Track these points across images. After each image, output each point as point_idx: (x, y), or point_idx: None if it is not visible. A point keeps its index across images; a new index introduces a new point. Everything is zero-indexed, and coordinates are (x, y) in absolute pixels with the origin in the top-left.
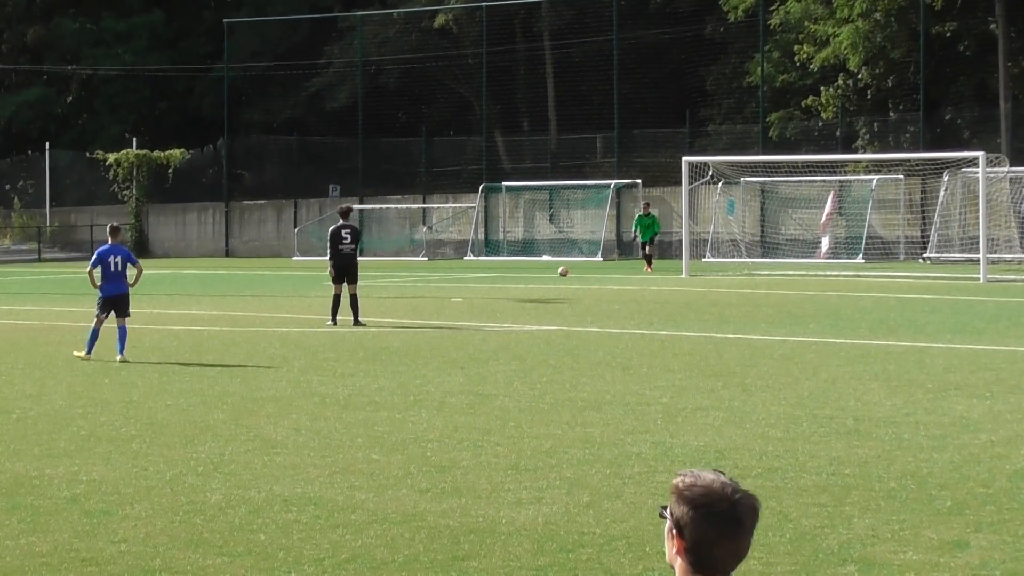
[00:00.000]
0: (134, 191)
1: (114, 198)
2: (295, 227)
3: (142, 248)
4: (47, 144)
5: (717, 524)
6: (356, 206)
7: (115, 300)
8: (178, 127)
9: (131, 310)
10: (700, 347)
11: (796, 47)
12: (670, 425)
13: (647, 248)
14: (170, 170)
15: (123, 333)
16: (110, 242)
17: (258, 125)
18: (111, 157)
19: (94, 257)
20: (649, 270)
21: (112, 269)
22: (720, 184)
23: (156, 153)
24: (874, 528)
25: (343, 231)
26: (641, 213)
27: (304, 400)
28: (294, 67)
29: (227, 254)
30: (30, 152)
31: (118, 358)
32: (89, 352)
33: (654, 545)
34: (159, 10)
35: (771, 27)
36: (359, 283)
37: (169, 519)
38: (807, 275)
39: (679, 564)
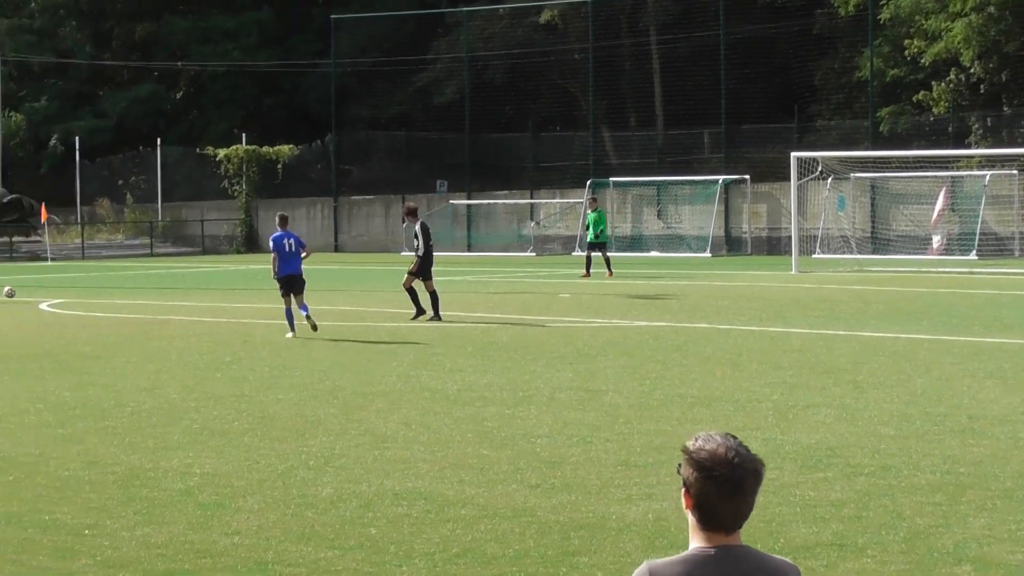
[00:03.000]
0: (243, 186)
1: (224, 193)
2: (403, 222)
3: (252, 243)
4: (158, 140)
5: (718, 486)
6: (464, 201)
7: (291, 279)
8: (286, 123)
9: (245, 304)
10: (810, 344)
11: (906, 41)
12: (781, 422)
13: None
14: (279, 166)
15: (305, 309)
16: (279, 229)
17: (366, 121)
18: (221, 153)
19: (271, 244)
20: (609, 276)
21: (287, 251)
22: (829, 180)
23: (265, 149)
24: (990, 527)
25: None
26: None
27: (414, 395)
28: (401, 63)
29: (336, 249)
30: (141, 148)
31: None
32: (293, 331)
33: (765, 542)
34: (267, 7)
35: (881, 21)
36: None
37: (281, 512)
38: (919, 272)
39: (690, 519)
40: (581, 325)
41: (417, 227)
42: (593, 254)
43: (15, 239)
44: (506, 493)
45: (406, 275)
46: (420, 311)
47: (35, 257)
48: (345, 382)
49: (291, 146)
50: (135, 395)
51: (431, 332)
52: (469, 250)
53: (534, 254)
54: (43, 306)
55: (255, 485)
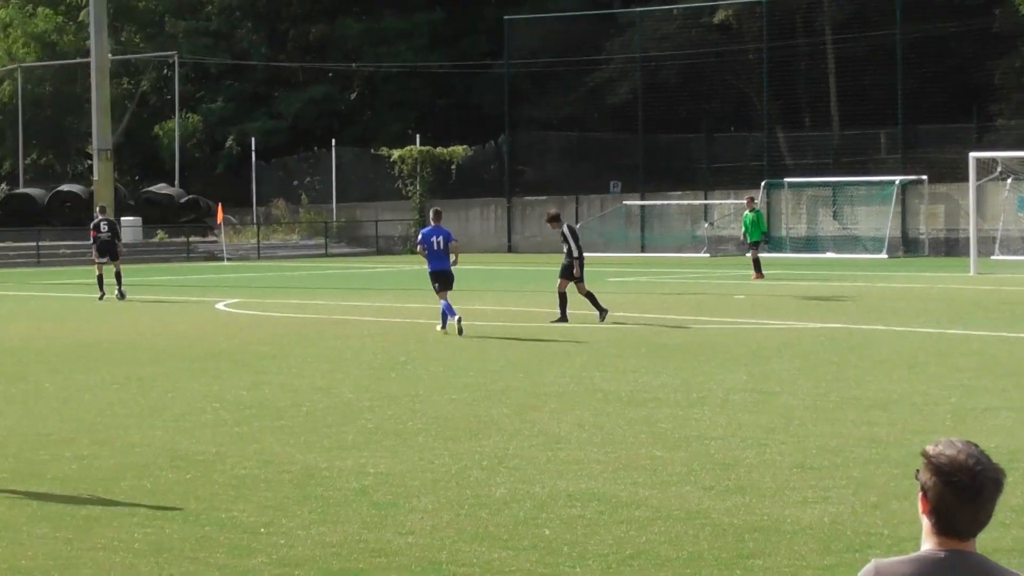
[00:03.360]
0: (417, 187)
1: (398, 194)
2: (576, 223)
3: None
4: (332, 141)
5: (956, 492)
6: (638, 202)
7: (439, 275)
8: (460, 124)
9: (419, 305)
10: (990, 346)
11: None
12: (959, 425)
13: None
14: (452, 166)
15: (447, 306)
16: (432, 224)
17: (538, 121)
18: (395, 153)
19: (420, 238)
20: (758, 278)
21: (435, 248)
22: (1009, 180)
23: (439, 149)
24: None
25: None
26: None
27: (587, 396)
28: (574, 63)
29: (509, 249)
30: (316, 149)
31: (440, 329)
32: (444, 326)
33: None
34: (439, 8)
35: None
36: None
37: (455, 512)
38: None
39: (924, 523)
40: (755, 326)
41: (565, 230)
42: (759, 255)
43: (192, 239)
44: (680, 495)
45: (576, 284)
46: (564, 318)
47: (212, 257)
48: (518, 383)
49: (464, 147)
50: (310, 394)
51: (604, 333)
52: (643, 251)
53: (708, 255)
54: (219, 306)
55: (429, 485)
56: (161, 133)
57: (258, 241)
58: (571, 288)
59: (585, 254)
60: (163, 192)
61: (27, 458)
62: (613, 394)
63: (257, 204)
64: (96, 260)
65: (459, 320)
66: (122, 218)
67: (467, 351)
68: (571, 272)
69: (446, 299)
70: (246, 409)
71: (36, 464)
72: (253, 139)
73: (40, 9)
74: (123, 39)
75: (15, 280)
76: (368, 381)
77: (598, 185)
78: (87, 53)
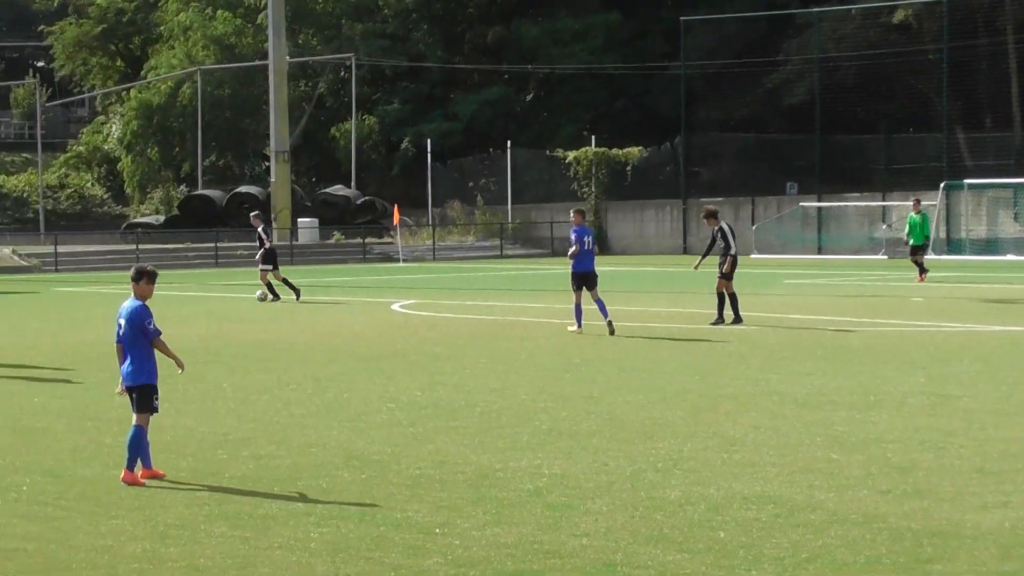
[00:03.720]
0: (593, 188)
1: (573, 195)
2: (752, 224)
3: (601, 245)
4: (508, 142)
5: None
6: (815, 203)
7: (584, 276)
8: (635, 125)
9: (593, 306)
10: None
11: None
12: None
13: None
14: (628, 168)
15: (600, 305)
16: (577, 223)
17: (715, 122)
18: (570, 155)
19: (573, 236)
20: (922, 279)
21: (585, 247)
22: None
23: (614, 151)
24: None
25: None
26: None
27: (762, 398)
28: (750, 64)
29: (684, 251)
30: (491, 150)
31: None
32: (579, 326)
33: None
34: (616, 9)
35: None
36: None
37: (629, 514)
38: None
39: None
40: (934, 329)
41: (724, 226)
42: (921, 257)
43: (368, 240)
44: (856, 498)
45: (718, 279)
46: (721, 320)
47: (387, 258)
48: (693, 384)
49: (640, 148)
50: (485, 395)
51: (779, 335)
52: (819, 253)
53: (886, 257)
54: (395, 307)
55: (604, 487)
56: (338, 135)
57: (433, 242)
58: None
59: (761, 256)
60: (340, 194)
61: (206, 457)
62: (789, 396)
63: (433, 205)
64: (264, 268)
65: (610, 322)
66: (299, 219)
67: (641, 352)
68: (723, 270)
69: (596, 297)
70: (421, 410)
71: (214, 463)
72: (429, 141)
73: (219, 12)
74: (300, 42)
75: (194, 281)
76: (543, 382)
77: (774, 186)
78: (265, 56)
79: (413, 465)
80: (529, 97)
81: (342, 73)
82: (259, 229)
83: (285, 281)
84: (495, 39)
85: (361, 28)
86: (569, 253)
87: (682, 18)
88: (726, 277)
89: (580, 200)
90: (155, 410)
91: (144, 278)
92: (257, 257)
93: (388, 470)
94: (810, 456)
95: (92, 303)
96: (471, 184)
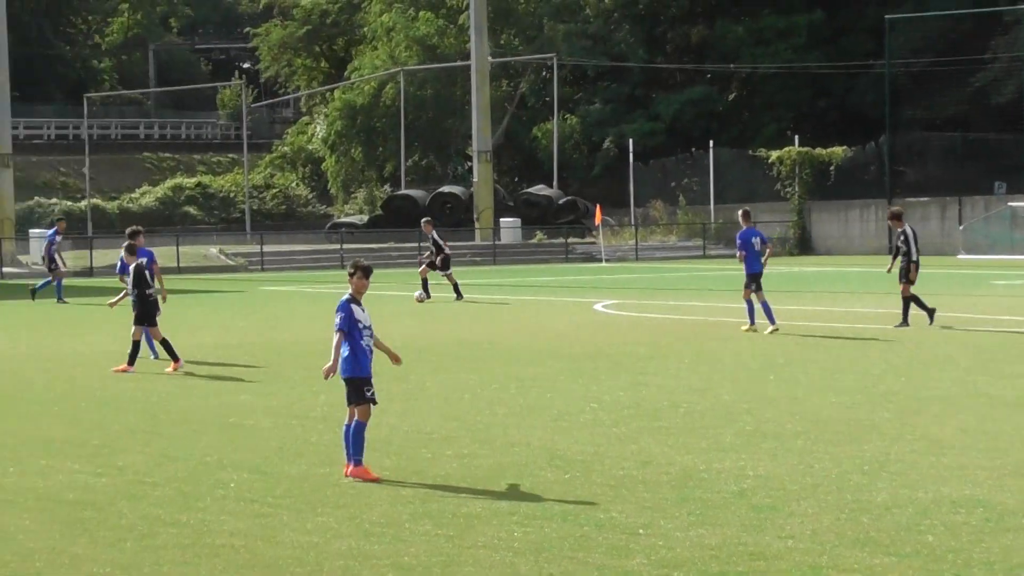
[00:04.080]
0: (796, 188)
1: (775, 195)
2: (959, 224)
3: (804, 245)
4: (710, 142)
5: None
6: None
7: (756, 277)
8: (839, 124)
9: (797, 307)
10: None
11: None
12: None
13: None
14: (831, 167)
15: (765, 307)
16: (745, 225)
17: (920, 122)
18: (773, 155)
19: (739, 240)
20: None
21: (755, 249)
22: None
23: (818, 150)
24: None
25: None
26: None
27: (970, 400)
28: (957, 62)
29: (889, 251)
30: (693, 150)
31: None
32: (753, 323)
33: None
34: (819, 8)
35: None
36: None
37: (835, 517)
38: None
39: None
40: None
41: (908, 230)
42: None
43: (570, 240)
44: None
45: (902, 284)
46: (930, 317)
47: (590, 258)
48: (899, 386)
49: (844, 148)
50: (688, 395)
51: (987, 337)
52: None
53: None
54: (597, 307)
55: (808, 489)
56: (540, 135)
57: (636, 242)
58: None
59: (969, 256)
60: (542, 193)
61: (410, 455)
62: (999, 399)
63: (635, 205)
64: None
65: (772, 321)
66: (501, 219)
67: (846, 353)
68: (908, 275)
69: (762, 299)
70: (624, 410)
71: (418, 462)
72: (631, 140)
73: (422, 13)
74: (502, 42)
75: (398, 280)
76: (746, 383)
77: (982, 186)
78: (467, 56)
79: (616, 465)
80: (731, 96)
81: (544, 73)
82: (432, 234)
83: (455, 286)
84: (697, 39)
85: (563, 28)
86: (738, 257)
87: (887, 16)
88: (910, 282)
89: (784, 200)
90: (371, 401)
91: (358, 273)
92: (437, 261)
93: (591, 470)
94: (1021, 459)
95: (297, 302)
96: (673, 184)
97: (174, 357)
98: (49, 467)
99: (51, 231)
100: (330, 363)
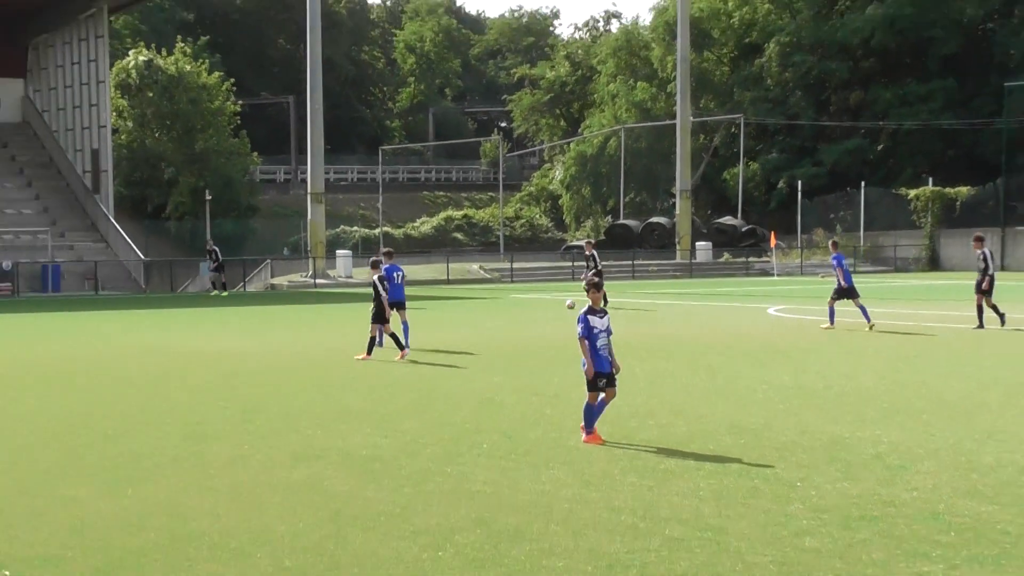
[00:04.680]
0: (929, 219)
1: (912, 224)
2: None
3: (934, 263)
4: (862, 183)
5: None
6: None
7: (848, 290)
8: (965, 169)
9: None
10: None
11: None
12: None
13: None
14: (957, 203)
15: (863, 310)
16: (978, 248)
17: None
18: (911, 193)
19: (834, 261)
20: None
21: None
22: None
23: (947, 190)
24: None
25: None
26: None
27: None
28: None
29: (1002, 268)
30: (848, 189)
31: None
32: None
33: None
34: (952, 77)
35: None
36: None
37: (951, 474)
38: None
39: None
40: None
41: (987, 251)
42: None
43: (750, 259)
44: None
45: (984, 295)
46: (1001, 316)
47: (764, 273)
48: (1006, 374)
49: (968, 187)
50: (838, 380)
51: None
52: None
53: None
54: (770, 311)
55: (931, 453)
56: (728, 177)
57: (801, 261)
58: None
59: None
60: (728, 223)
61: (621, 425)
62: None
63: (801, 232)
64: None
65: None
66: (696, 243)
67: (968, 348)
68: (982, 286)
69: (860, 304)
70: (788, 390)
71: (627, 429)
72: (799, 182)
73: (639, 83)
74: (701, 105)
75: (615, 290)
76: (884, 371)
77: None
78: (674, 116)
79: (781, 433)
80: (880, 147)
81: (732, 129)
82: (593, 253)
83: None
84: (855, 101)
85: (749, 95)
86: (836, 275)
87: (1005, 84)
88: (986, 293)
89: (919, 229)
90: (599, 390)
91: (591, 289)
92: (591, 276)
93: (761, 436)
94: None
95: (537, 306)
96: (832, 215)
97: (400, 347)
98: (347, 430)
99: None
100: (587, 365)
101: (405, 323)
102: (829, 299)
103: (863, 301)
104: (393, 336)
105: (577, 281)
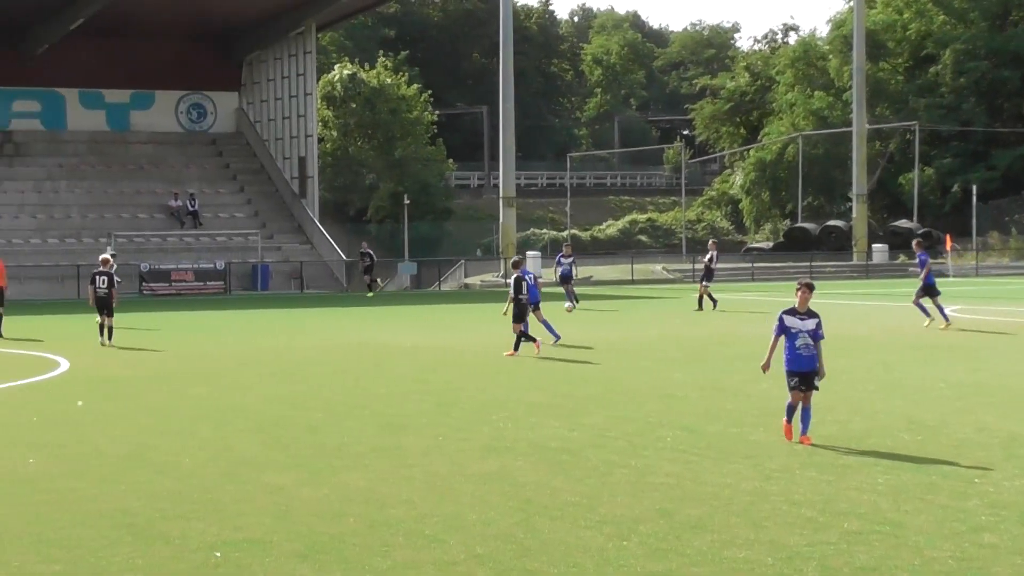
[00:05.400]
0: None
1: None
2: None
3: None
4: None
5: None
6: None
7: (931, 287)
8: None
9: None
10: None
11: None
12: None
13: None
14: None
15: (940, 309)
16: (918, 250)
17: None
18: None
19: (920, 258)
20: None
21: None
22: None
23: None
24: None
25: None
26: None
27: None
28: None
29: None
30: (1022, 193)
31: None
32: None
33: None
34: None
35: None
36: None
37: None
38: None
39: None
40: None
41: None
42: None
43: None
44: None
45: None
46: None
47: (940, 275)
48: None
49: None
50: (1015, 379)
51: None
52: None
53: None
54: (947, 311)
55: None
56: (903, 182)
57: (976, 263)
58: None
59: None
60: (904, 226)
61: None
62: None
63: (976, 234)
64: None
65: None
66: (873, 245)
67: None
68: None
69: (939, 304)
70: (965, 388)
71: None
72: (974, 186)
73: (816, 93)
74: (876, 112)
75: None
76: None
77: None
78: (850, 123)
79: (958, 431)
80: None
81: (907, 136)
82: (713, 254)
83: (709, 295)
84: None
85: (924, 102)
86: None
87: None
88: None
89: None
90: (793, 388)
91: (801, 289)
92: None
93: (938, 433)
94: None
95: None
96: (1006, 218)
97: (532, 340)
98: (536, 423)
99: (559, 255)
100: (764, 360)
101: (544, 320)
102: (914, 298)
103: (941, 300)
104: (522, 334)
105: (756, 281)
